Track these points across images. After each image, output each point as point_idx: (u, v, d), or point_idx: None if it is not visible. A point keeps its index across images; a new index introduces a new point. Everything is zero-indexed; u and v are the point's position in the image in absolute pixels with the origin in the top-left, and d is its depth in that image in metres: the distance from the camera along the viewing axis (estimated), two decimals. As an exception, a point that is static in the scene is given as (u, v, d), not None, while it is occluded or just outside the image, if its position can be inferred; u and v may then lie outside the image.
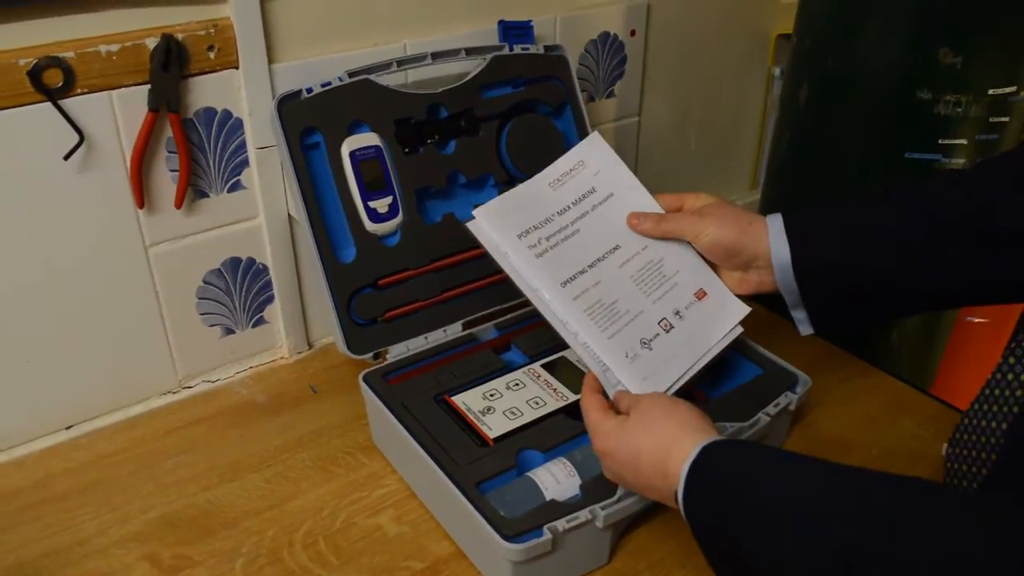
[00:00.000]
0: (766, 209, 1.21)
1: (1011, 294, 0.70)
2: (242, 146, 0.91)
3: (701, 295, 0.81)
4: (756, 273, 0.80)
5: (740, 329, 0.82)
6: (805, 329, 0.80)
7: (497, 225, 0.79)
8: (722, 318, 0.82)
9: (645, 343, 0.77)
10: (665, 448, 0.64)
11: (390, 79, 0.93)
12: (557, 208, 0.81)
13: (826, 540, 0.51)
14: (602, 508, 0.71)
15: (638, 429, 0.67)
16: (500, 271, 0.97)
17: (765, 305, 1.11)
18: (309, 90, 0.88)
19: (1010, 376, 0.62)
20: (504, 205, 0.80)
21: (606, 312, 0.78)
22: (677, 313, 0.80)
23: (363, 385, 0.86)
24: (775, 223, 0.77)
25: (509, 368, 0.90)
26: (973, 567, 0.45)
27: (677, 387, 0.77)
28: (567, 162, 0.84)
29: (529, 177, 0.96)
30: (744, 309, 0.82)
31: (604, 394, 0.75)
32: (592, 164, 0.85)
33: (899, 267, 0.74)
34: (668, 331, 0.79)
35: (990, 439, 0.62)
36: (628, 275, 0.80)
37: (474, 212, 0.80)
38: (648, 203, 0.84)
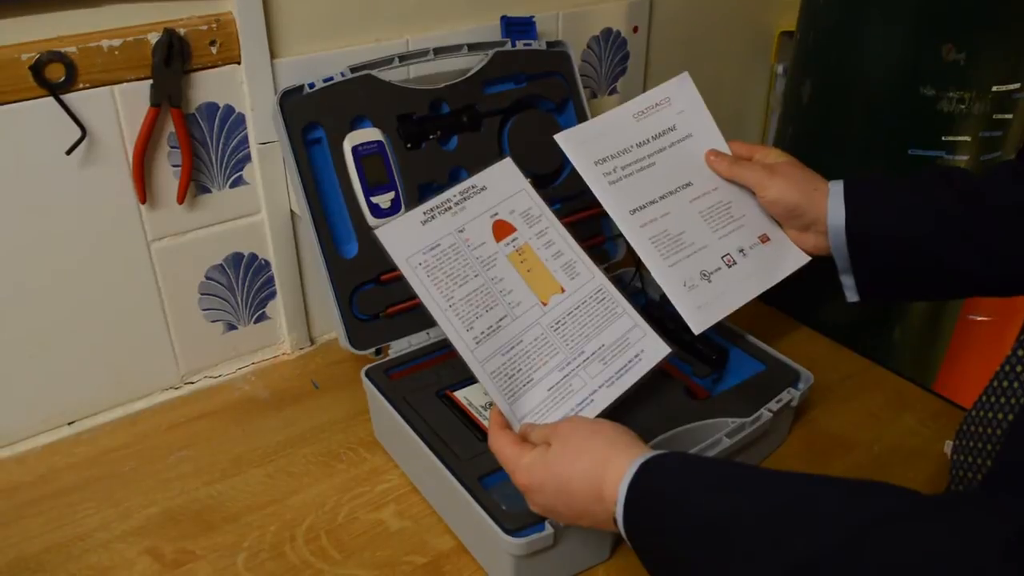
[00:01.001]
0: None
1: None
2: (244, 141, 0.91)
3: (765, 239, 0.84)
4: (813, 236, 0.83)
5: (806, 259, 0.84)
6: (851, 295, 0.82)
7: (575, 150, 0.82)
8: (782, 262, 0.84)
9: (705, 275, 0.80)
10: (597, 471, 0.61)
11: (392, 75, 0.93)
12: (637, 140, 0.84)
13: (777, 554, 0.49)
14: (604, 503, 0.70)
15: (563, 456, 0.64)
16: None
17: (767, 302, 1.11)
18: (311, 85, 0.88)
19: (1019, 368, 0.62)
20: (585, 132, 0.84)
21: (671, 242, 0.81)
22: (741, 251, 0.83)
23: (365, 380, 0.86)
24: (836, 187, 0.80)
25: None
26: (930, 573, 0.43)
27: (727, 313, 0.81)
28: (654, 96, 0.87)
29: (530, 173, 0.96)
30: (804, 258, 0.85)
31: (510, 428, 0.72)
32: (677, 103, 0.88)
33: (949, 246, 0.76)
34: (731, 266, 0.82)
35: (995, 431, 0.62)
36: (697, 210, 0.83)
37: (556, 136, 0.83)
38: (724, 149, 0.88)
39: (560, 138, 0.83)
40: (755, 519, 0.51)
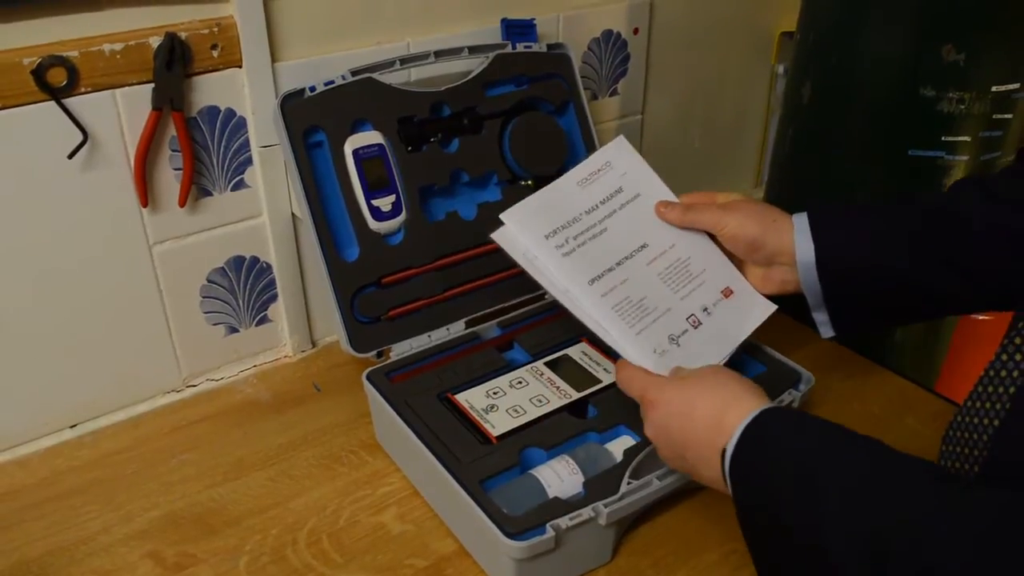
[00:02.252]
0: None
1: None
2: (245, 145, 0.91)
3: (728, 293, 0.81)
4: (779, 271, 0.80)
5: (772, 308, 0.83)
6: (826, 331, 0.81)
7: (525, 227, 0.79)
8: (749, 315, 0.82)
9: (673, 339, 0.78)
10: (725, 405, 0.64)
11: (393, 77, 0.93)
12: (585, 207, 0.82)
13: (868, 519, 0.51)
14: (605, 506, 0.71)
15: (701, 386, 0.67)
16: (503, 269, 0.98)
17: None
18: (312, 88, 0.88)
19: (1003, 373, 0.62)
20: (531, 207, 0.81)
21: (635, 308, 0.78)
22: (705, 310, 0.80)
23: (366, 383, 0.86)
24: (800, 221, 0.78)
25: (512, 366, 0.90)
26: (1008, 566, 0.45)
27: None
28: (594, 162, 0.85)
29: (531, 175, 0.96)
30: (770, 307, 0.83)
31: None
32: (619, 166, 0.85)
33: (923, 269, 0.75)
34: (697, 327, 0.79)
35: (982, 436, 0.62)
36: (656, 272, 0.81)
37: (502, 216, 0.80)
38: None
39: (505, 216, 0.80)
40: (853, 482, 0.54)
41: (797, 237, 0.77)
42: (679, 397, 0.68)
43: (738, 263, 0.84)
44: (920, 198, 0.78)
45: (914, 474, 0.53)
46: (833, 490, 0.54)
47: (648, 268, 0.81)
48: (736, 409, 0.63)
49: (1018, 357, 0.61)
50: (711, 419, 0.64)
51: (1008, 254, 0.70)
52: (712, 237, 0.84)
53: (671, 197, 0.86)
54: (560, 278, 0.78)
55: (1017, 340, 0.61)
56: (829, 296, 0.78)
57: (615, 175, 0.84)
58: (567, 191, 0.83)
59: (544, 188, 0.83)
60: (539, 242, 0.78)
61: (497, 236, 0.80)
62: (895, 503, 0.51)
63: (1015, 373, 0.61)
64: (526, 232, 0.79)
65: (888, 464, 0.55)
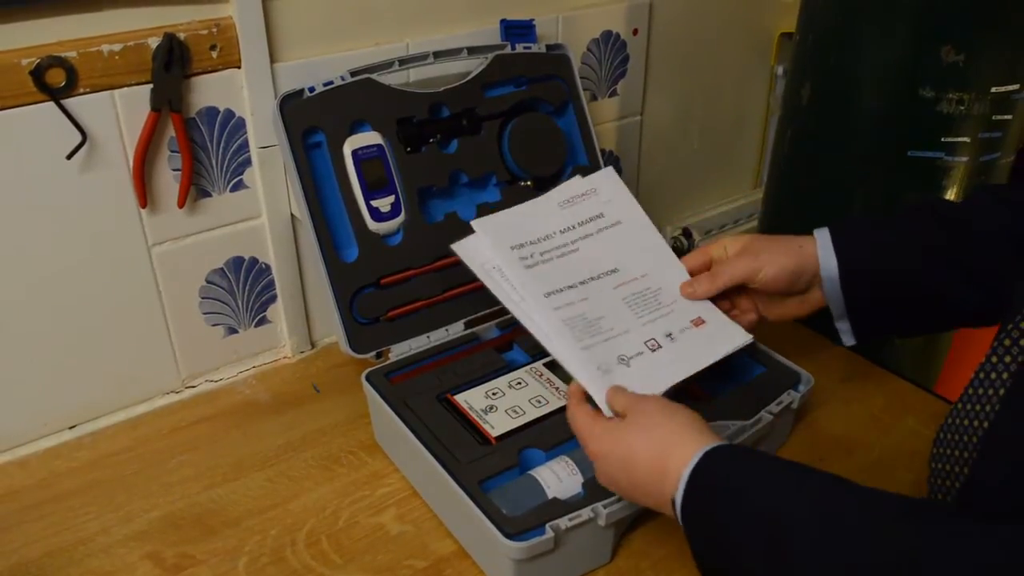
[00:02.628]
0: (769, 207, 1.21)
1: None
2: (244, 145, 0.91)
3: (699, 323, 0.79)
4: (818, 290, 0.80)
5: (747, 339, 0.80)
6: (848, 340, 0.81)
7: (493, 236, 0.79)
8: (719, 342, 0.78)
9: (623, 359, 0.75)
10: (664, 450, 0.62)
11: (392, 78, 0.93)
12: (560, 227, 0.81)
13: (836, 557, 0.51)
14: (604, 506, 0.71)
15: (635, 430, 0.65)
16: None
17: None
18: (311, 89, 0.88)
19: (992, 375, 0.61)
20: (505, 219, 0.80)
21: (587, 326, 0.76)
22: (669, 335, 0.78)
23: (365, 384, 0.86)
24: (822, 236, 0.78)
25: (511, 367, 0.90)
26: None
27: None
28: (580, 187, 0.85)
29: (530, 176, 0.96)
30: (747, 338, 0.79)
31: (591, 402, 0.72)
32: (604, 193, 0.85)
33: (940, 277, 0.75)
34: (655, 351, 0.76)
35: (971, 439, 0.62)
36: (621, 296, 0.79)
37: (473, 223, 0.79)
38: (658, 242, 0.84)
39: (476, 224, 0.80)
40: (815, 521, 0.53)
41: (820, 251, 0.78)
42: (617, 446, 0.66)
43: (768, 301, 0.82)
44: (938, 206, 0.78)
45: (880, 508, 0.53)
46: (799, 530, 0.53)
47: (613, 291, 0.79)
48: (677, 453, 0.62)
49: (1007, 359, 0.61)
50: (653, 466, 0.63)
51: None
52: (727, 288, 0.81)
53: (654, 235, 0.84)
54: (516, 287, 0.77)
55: (1007, 342, 0.61)
56: (852, 306, 0.78)
57: (598, 201, 0.84)
58: (546, 209, 0.82)
59: (523, 204, 0.82)
60: (504, 252, 0.78)
61: (458, 247, 0.80)
62: (868, 539, 0.50)
63: (1004, 375, 0.61)
64: (493, 241, 0.78)
65: (850, 498, 0.55)
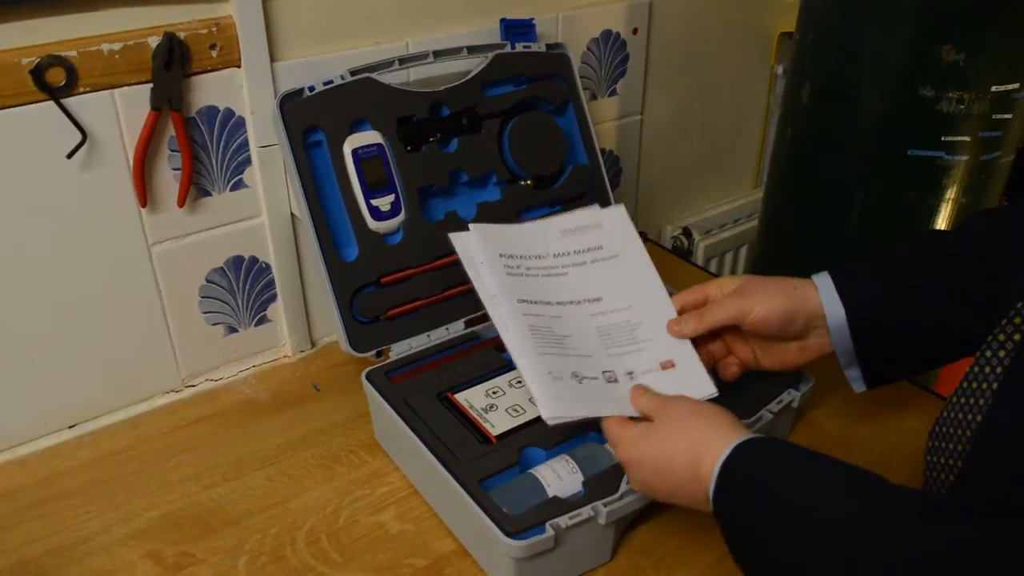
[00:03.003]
0: (769, 206, 1.21)
1: None
2: (244, 145, 0.91)
3: (667, 365, 0.76)
4: (817, 336, 0.77)
5: (711, 392, 0.75)
6: (858, 387, 0.79)
7: (486, 239, 0.78)
8: (680, 390, 0.73)
9: (576, 376, 0.73)
10: (697, 450, 0.63)
11: (392, 77, 0.93)
12: (555, 251, 0.81)
13: (850, 552, 0.52)
14: (605, 505, 0.71)
15: (666, 434, 0.66)
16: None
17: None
18: (311, 88, 0.88)
19: (987, 369, 0.61)
20: (503, 230, 0.80)
21: (551, 338, 0.75)
22: (630, 374, 0.76)
23: (366, 383, 0.86)
24: (823, 282, 0.76)
25: (511, 366, 0.90)
26: None
27: (588, 417, 0.72)
28: (586, 218, 0.84)
29: (530, 175, 0.96)
30: (711, 391, 0.74)
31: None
32: (608, 227, 0.84)
33: (956, 314, 0.73)
34: (609, 382, 0.74)
35: (965, 432, 0.62)
36: (595, 324, 0.78)
37: (470, 225, 0.79)
38: (652, 281, 0.82)
39: (473, 225, 0.80)
40: (832, 513, 0.55)
41: (824, 299, 0.75)
42: (652, 453, 0.66)
43: (765, 346, 0.79)
44: (944, 242, 0.76)
45: (896, 506, 0.53)
46: (813, 525, 0.55)
47: (590, 318, 0.78)
48: (710, 449, 0.62)
49: (1001, 353, 0.61)
50: (690, 468, 0.63)
51: None
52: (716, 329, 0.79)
53: (652, 271, 0.82)
54: (494, 286, 0.77)
55: (1001, 337, 0.61)
56: (862, 354, 0.76)
57: (601, 234, 0.83)
58: (546, 232, 0.82)
59: (529, 223, 0.82)
60: (491, 256, 0.77)
61: (454, 237, 0.80)
62: (877, 537, 0.51)
63: (998, 369, 0.61)
64: (485, 244, 0.77)
65: (869, 495, 0.55)
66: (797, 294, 0.76)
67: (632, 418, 0.71)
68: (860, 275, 0.77)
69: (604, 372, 0.75)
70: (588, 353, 0.76)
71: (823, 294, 0.76)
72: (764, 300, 0.76)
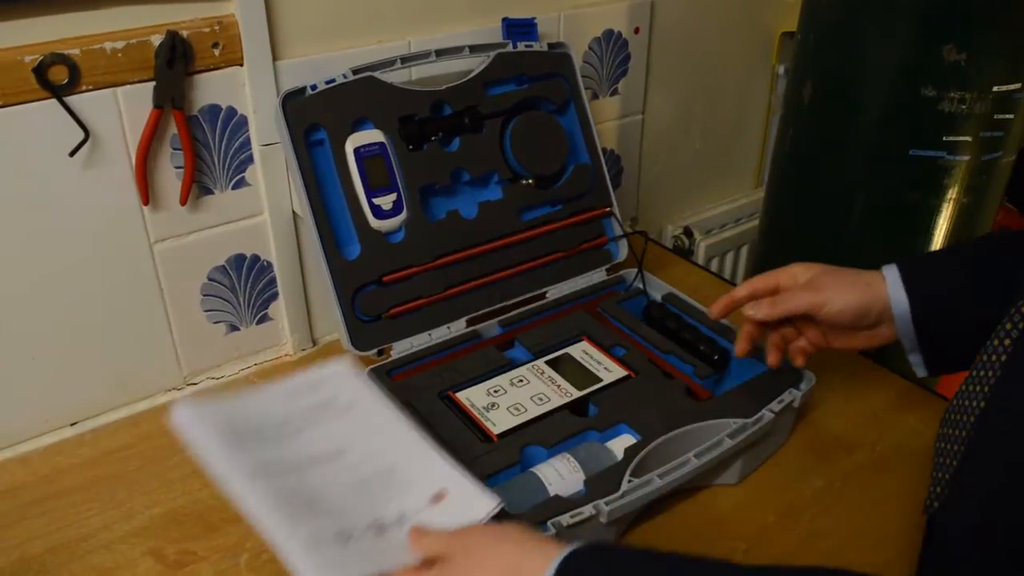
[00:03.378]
0: (770, 206, 1.21)
1: None
2: (246, 143, 0.91)
3: (440, 497, 0.69)
4: (887, 327, 0.79)
5: (494, 506, 0.67)
6: (920, 372, 0.81)
7: (202, 419, 0.69)
8: (463, 515, 0.67)
9: (341, 535, 0.64)
10: (515, 570, 0.56)
11: (394, 76, 0.93)
12: (285, 413, 0.73)
13: None
14: (606, 503, 0.71)
15: (471, 565, 0.58)
16: (504, 268, 0.99)
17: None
18: (313, 87, 0.88)
19: (992, 357, 0.62)
20: (220, 403, 0.72)
21: (301, 503, 0.66)
22: (400, 518, 0.67)
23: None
24: (891, 274, 0.78)
25: (513, 365, 0.90)
26: None
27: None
28: (312, 375, 0.77)
29: (531, 174, 0.96)
30: (494, 503, 0.67)
31: None
32: (337, 380, 0.77)
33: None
34: (380, 535, 0.66)
35: (969, 418, 0.63)
36: (347, 479, 0.70)
37: (178, 403, 0.69)
38: (395, 423, 0.73)
39: (183, 405, 0.69)
40: None
41: (891, 289, 0.77)
42: (464, 560, 0.59)
43: (835, 333, 0.82)
44: (1008, 239, 0.77)
45: None
46: None
47: (339, 473, 0.70)
48: (530, 567, 0.56)
49: (1007, 342, 0.61)
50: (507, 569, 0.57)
51: None
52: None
53: (392, 411, 0.74)
54: (222, 464, 0.67)
55: (1008, 325, 0.61)
56: (924, 340, 0.78)
57: (331, 387, 0.76)
58: (272, 397, 0.75)
59: (254, 393, 0.74)
60: (213, 433, 0.68)
61: (175, 417, 0.69)
62: None
63: (1003, 357, 0.61)
64: (202, 422, 0.69)
65: None
66: (870, 290, 0.78)
67: (421, 565, 0.62)
68: (924, 267, 0.79)
69: (371, 525, 0.66)
70: (347, 509, 0.67)
71: (890, 286, 0.77)
72: (839, 295, 0.78)
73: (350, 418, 0.74)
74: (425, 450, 0.71)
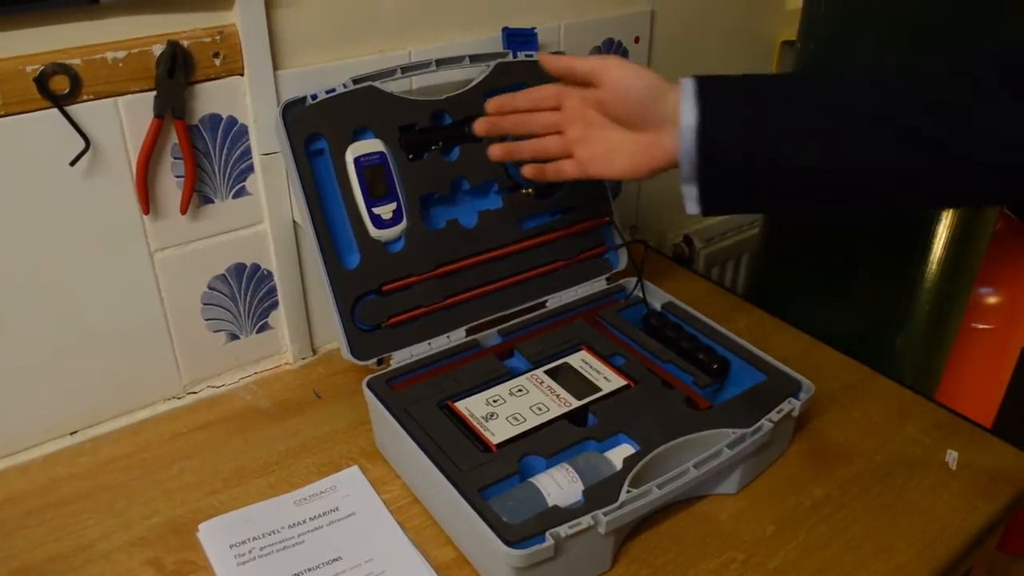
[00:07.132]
0: (768, 220, 1.22)
1: (927, 201, 0.69)
2: (247, 152, 0.92)
3: None
4: (670, 136, 0.71)
5: None
6: (692, 207, 0.73)
7: (213, 538, 0.78)
8: None
9: None
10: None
11: (395, 86, 0.93)
12: (289, 522, 0.80)
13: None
14: (604, 514, 0.71)
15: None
16: (504, 277, 0.99)
17: (766, 309, 1.11)
18: (314, 97, 0.88)
19: None
20: (232, 518, 0.80)
21: None
22: None
23: (367, 391, 0.86)
24: (688, 86, 0.70)
25: (512, 374, 0.90)
26: None
27: None
28: (321, 484, 0.84)
29: (531, 184, 0.96)
30: None
31: None
32: (344, 489, 0.84)
33: (814, 155, 0.68)
34: None
35: None
36: None
37: (201, 526, 0.79)
38: (392, 531, 0.79)
39: (204, 527, 0.79)
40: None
41: (683, 101, 0.69)
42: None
43: (616, 133, 0.76)
44: (823, 78, 0.71)
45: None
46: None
47: None
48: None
49: None
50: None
51: (903, 149, 0.65)
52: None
53: (392, 521, 0.80)
54: None
55: None
56: (704, 171, 0.70)
57: (336, 497, 0.83)
58: (279, 507, 0.82)
59: (260, 503, 0.82)
60: (221, 550, 0.77)
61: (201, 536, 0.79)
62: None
63: None
64: (214, 541, 0.78)
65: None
66: (667, 83, 0.72)
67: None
68: (726, 86, 0.71)
69: None
70: None
71: (683, 97, 0.69)
72: (632, 66, 0.73)
73: (351, 526, 0.80)
74: (410, 557, 0.76)
